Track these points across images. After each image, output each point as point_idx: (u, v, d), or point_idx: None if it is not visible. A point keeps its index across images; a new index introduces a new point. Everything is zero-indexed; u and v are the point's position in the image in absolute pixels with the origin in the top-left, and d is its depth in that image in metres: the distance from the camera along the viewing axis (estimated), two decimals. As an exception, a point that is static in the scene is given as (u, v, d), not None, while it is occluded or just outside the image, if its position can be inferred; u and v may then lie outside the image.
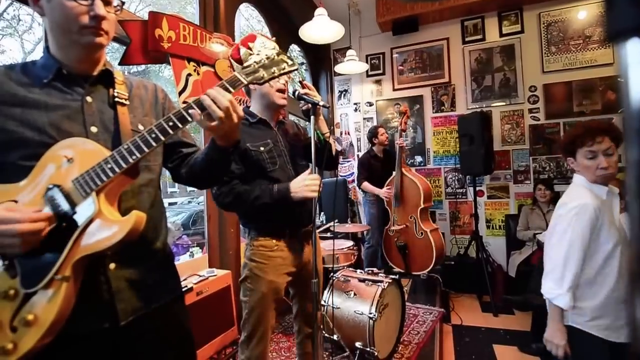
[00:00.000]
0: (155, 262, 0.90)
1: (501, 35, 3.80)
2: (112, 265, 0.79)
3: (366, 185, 3.45)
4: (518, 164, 3.73)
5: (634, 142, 0.20)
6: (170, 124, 0.76)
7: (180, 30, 1.99)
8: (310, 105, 1.36)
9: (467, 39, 3.92)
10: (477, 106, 3.85)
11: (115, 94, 0.85)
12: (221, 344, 1.97)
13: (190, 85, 2.01)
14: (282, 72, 0.86)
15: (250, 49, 1.30)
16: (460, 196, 3.95)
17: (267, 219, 1.37)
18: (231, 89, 0.81)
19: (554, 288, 1.21)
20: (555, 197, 3.29)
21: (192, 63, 2.07)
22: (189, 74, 2.03)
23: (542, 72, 3.65)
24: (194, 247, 2.86)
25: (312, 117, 1.35)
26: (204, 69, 2.16)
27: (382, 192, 3.37)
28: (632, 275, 0.22)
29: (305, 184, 1.29)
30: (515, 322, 2.89)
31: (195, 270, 2.08)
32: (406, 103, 4.15)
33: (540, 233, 2.96)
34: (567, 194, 1.32)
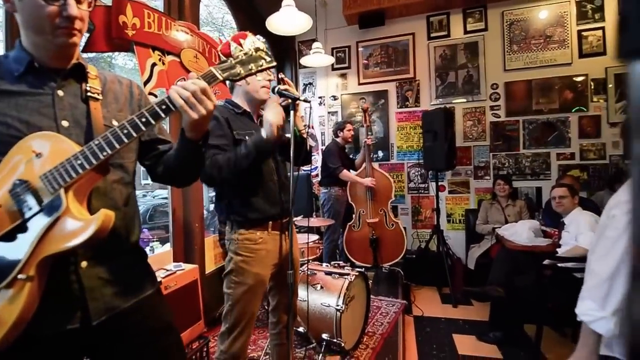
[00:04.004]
0: (129, 259, 0.92)
1: (465, 32, 3.97)
2: (83, 264, 0.80)
3: (346, 173, 3.48)
4: (479, 160, 3.95)
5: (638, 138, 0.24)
6: (143, 120, 0.77)
7: (145, 18, 2.00)
8: (290, 100, 1.42)
9: (432, 35, 4.07)
10: (441, 102, 4.01)
11: (88, 89, 0.86)
12: (188, 339, 2.03)
13: (155, 75, 2.03)
14: (259, 68, 0.89)
15: (241, 45, 1.37)
16: (422, 191, 4.14)
17: (251, 210, 1.43)
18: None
19: (595, 309, 0.98)
20: (513, 192, 3.47)
21: (157, 52, 2.09)
22: (154, 64, 2.04)
23: (504, 70, 3.87)
24: (154, 241, 2.78)
25: (291, 113, 1.42)
26: (169, 58, 2.17)
27: (368, 181, 3.45)
28: (633, 271, 0.25)
29: (277, 111, 1.32)
30: (474, 312, 3.07)
31: (161, 265, 2.12)
32: (371, 98, 4.29)
33: (499, 227, 3.11)
34: (626, 191, 1.06)
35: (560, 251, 2.46)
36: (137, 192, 0.98)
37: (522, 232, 2.83)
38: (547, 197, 3.42)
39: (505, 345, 2.48)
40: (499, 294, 2.62)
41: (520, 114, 3.82)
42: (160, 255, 2.33)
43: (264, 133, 1.31)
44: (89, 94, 0.86)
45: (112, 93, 0.93)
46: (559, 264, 2.36)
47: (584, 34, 3.62)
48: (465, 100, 3.97)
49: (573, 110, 3.67)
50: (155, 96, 2.03)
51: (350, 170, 3.60)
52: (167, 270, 2.04)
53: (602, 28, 3.56)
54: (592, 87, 3.61)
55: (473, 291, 3.21)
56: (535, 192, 3.80)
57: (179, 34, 2.25)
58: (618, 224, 1.01)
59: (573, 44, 3.65)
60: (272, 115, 1.32)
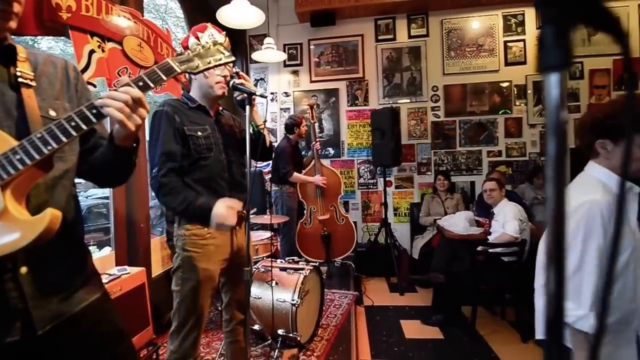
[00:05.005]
0: (74, 261, 0.86)
1: (409, 36, 4.21)
2: (23, 269, 0.72)
3: (297, 175, 3.44)
4: (421, 157, 4.24)
5: (551, 139, 0.28)
6: (94, 111, 0.72)
7: (82, 0, 1.83)
8: (245, 95, 1.40)
9: (379, 38, 4.25)
10: (388, 102, 4.21)
11: (18, 74, 0.76)
12: (136, 346, 1.94)
13: (94, 63, 1.89)
14: (217, 62, 0.88)
15: (198, 38, 1.34)
16: (371, 186, 4.32)
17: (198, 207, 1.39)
18: (163, 76, 0.80)
19: (573, 309, 0.96)
20: (451, 187, 3.78)
21: (95, 38, 1.93)
22: (92, 51, 1.89)
23: (443, 74, 4.18)
24: (90, 245, 2.56)
25: (247, 108, 1.40)
26: (109, 45, 2.02)
27: (319, 180, 3.45)
28: (548, 254, 0.29)
29: (229, 213, 1.29)
30: (418, 298, 3.30)
31: (102, 270, 1.99)
32: (322, 96, 4.37)
33: (440, 218, 3.37)
34: (575, 188, 1.07)
35: (491, 238, 2.75)
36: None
37: (459, 223, 3.10)
38: (479, 190, 3.78)
39: (446, 327, 2.70)
40: (440, 280, 2.85)
41: (456, 114, 4.16)
42: (100, 260, 2.16)
43: (213, 220, 1.28)
44: (19, 79, 0.76)
45: (45, 78, 0.83)
46: (490, 250, 2.64)
47: (509, 44, 4.05)
48: (409, 100, 4.22)
49: (500, 113, 4.10)
50: (94, 86, 1.88)
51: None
52: (111, 275, 1.91)
53: (523, 40, 4.02)
54: (515, 92, 4.05)
55: (417, 279, 3.46)
56: (469, 186, 4.18)
57: (121, 20, 2.09)
58: (572, 222, 1.00)
59: (500, 53, 4.06)
60: (221, 216, 1.28)
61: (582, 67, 3.94)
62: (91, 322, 0.85)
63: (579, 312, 0.95)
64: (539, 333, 1.09)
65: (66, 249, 0.83)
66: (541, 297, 1.06)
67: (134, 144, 0.86)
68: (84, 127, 0.71)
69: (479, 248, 2.67)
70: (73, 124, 0.70)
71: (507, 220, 2.67)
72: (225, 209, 1.28)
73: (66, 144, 0.70)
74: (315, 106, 3.69)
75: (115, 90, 0.75)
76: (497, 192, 2.84)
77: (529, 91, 4.02)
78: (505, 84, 4.07)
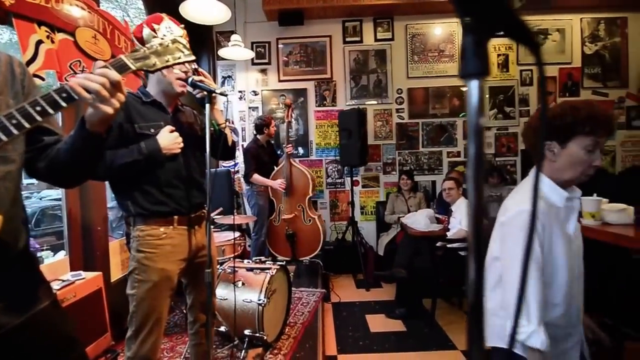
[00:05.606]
0: (18, 268, 0.81)
1: (376, 39, 4.29)
2: None
3: (257, 177, 3.43)
4: (387, 157, 4.34)
5: (471, 141, 0.30)
6: (38, 109, 0.67)
7: None
8: (205, 93, 1.36)
9: (347, 39, 4.29)
10: (355, 103, 4.27)
11: None
12: (93, 354, 1.87)
13: (42, 55, 1.76)
14: (176, 61, 0.86)
15: (154, 30, 1.28)
16: (339, 186, 4.37)
17: (153, 204, 1.33)
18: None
19: (523, 325, 0.92)
20: (414, 186, 3.91)
21: (43, 27, 1.79)
22: (40, 41, 1.76)
23: (407, 77, 4.30)
24: (44, 250, 2.42)
25: (207, 106, 1.36)
26: (60, 36, 1.89)
27: (277, 184, 3.44)
28: (469, 248, 0.31)
29: (176, 141, 1.34)
30: (383, 293, 3.39)
31: (55, 275, 1.88)
32: (291, 95, 4.34)
33: (403, 216, 3.47)
34: (520, 193, 1.07)
35: (449, 234, 2.88)
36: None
37: (420, 220, 3.21)
38: (440, 189, 3.94)
39: (408, 319, 2.81)
40: (403, 275, 2.95)
41: (419, 117, 4.31)
42: (53, 265, 2.04)
43: (162, 147, 1.30)
44: None
45: None
46: (448, 245, 2.76)
47: (468, 51, 4.25)
48: (375, 102, 4.30)
49: (460, 116, 4.29)
50: (42, 79, 1.75)
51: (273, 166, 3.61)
52: (64, 281, 1.80)
53: (481, 47, 4.24)
54: (474, 96, 4.27)
55: (382, 274, 3.55)
56: (431, 185, 4.35)
57: (73, 9, 1.96)
58: (511, 233, 0.99)
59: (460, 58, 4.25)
60: (163, 140, 1.32)
61: (532, 75, 4.23)
62: (37, 332, 0.81)
63: (529, 328, 0.92)
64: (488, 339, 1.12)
65: (8, 256, 0.78)
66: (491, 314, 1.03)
67: (106, 133, 0.82)
68: (26, 124, 0.66)
69: (438, 244, 2.79)
70: (14, 122, 0.66)
71: (463, 217, 2.81)
72: (166, 133, 1.33)
73: (6, 143, 0.66)
74: (292, 105, 3.65)
75: (91, 72, 0.72)
76: (455, 190, 2.98)
77: (486, 96, 4.24)
78: (464, 88, 4.21)
